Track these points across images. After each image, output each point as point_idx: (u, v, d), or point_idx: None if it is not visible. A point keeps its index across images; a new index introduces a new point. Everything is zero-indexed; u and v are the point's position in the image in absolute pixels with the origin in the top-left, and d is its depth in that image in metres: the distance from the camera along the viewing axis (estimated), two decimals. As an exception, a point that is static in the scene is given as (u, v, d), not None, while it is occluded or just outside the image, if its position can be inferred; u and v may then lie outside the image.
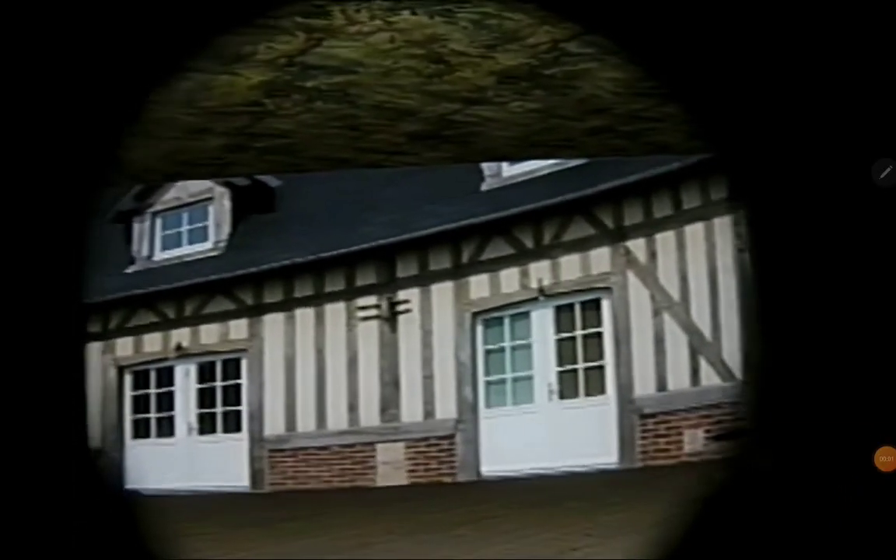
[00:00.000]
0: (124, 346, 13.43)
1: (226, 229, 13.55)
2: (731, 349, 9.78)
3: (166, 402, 13.28)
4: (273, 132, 5.63)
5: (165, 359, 13.20)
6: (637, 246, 10.48)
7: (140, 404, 13.46)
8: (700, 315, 10.00)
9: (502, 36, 4.35)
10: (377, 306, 11.68)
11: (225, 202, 13.57)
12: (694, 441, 9.97)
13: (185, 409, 13.11)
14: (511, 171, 11.40)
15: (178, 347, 13.00)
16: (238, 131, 5.60)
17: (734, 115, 1.89)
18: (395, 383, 11.53)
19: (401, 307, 11.59)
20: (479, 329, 11.30)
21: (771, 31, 1.81)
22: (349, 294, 11.95)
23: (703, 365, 10.00)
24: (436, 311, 11.40)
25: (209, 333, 12.87)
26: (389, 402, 11.54)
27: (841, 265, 1.77)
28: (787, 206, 1.83)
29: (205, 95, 4.92)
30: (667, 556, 1.97)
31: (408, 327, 11.52)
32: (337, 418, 11.79)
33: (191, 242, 13.86)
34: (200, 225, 13.82)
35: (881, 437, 1.70)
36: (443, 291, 11.40)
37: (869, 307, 1.74)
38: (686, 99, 2.06)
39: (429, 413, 11.30)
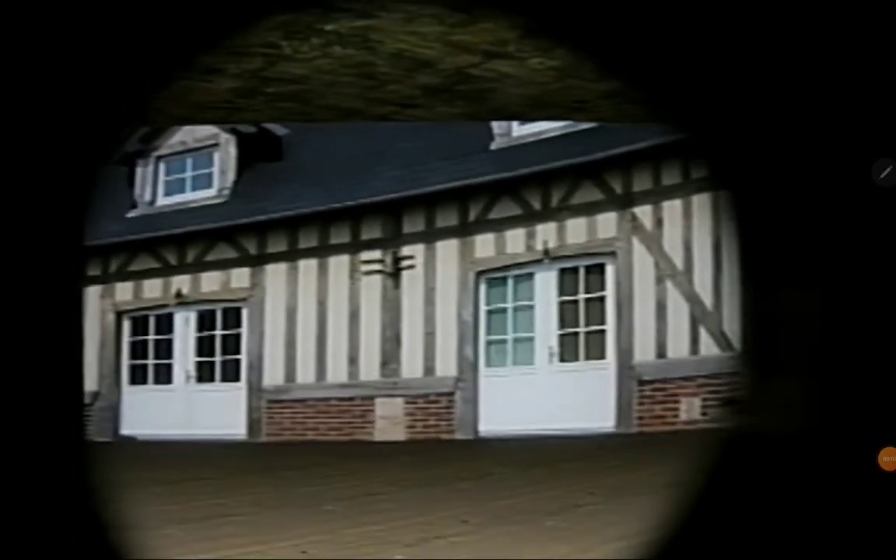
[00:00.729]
0: (123, 291, 13.37)
1: (231, 177, 13.40)
2: (732, 320, 9.79)
3: (165, 348, 13.24)
4: (286, 77, 5.53)
5: (165, 305, 13.15)
6: (644, 213, 10.45)
7: (138, 350, 13.41)
8: (702, 285, 9.99)
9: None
10: (381, 260, 11.62)
11: (230, 149, 13.41)
12: (690, 409, 10.04)
13: (184, 356, 13.08)
14: (521, 131, 11.29)
15: (178, 294, 12.95)
16: (251, 74, 5.50)
17: (735, 115, 1.88)
18: (397, 338, 11.51)
19: (405, 263, 11.53)
20: (483, 288, 11.26)
21: (772, 32, 1.80)
22: (353, 247, 11.88)
23: (703, 335, 10.01)
24: (440, 269, 11.35)
25: (210, 281, 12.80)
26: (390, 357, 11.52)
27: (841, 265, 1.76)
28: (787, 206, 1.83)
29: (221, 32, 4.82)
30: (670, 535, 1.99)
31: (411, 283, 11.47)
32: (337, 371, 11.78)
33: (194, 189, 13.72)
34: (205, 171, 13.67)
35: (885, 438, 1.70)
36: (448, 249, 11.34)
37: (870, 307, 1.74)
38: (685, 101, 2.05)
39: (429, 370, 11.28)
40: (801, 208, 1.79)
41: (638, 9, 1.87)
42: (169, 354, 13.20)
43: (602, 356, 10.62)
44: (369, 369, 11.60)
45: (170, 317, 13.21)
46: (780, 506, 1.76)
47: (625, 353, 10.36)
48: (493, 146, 11.49)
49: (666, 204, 10.35)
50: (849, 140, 1.75)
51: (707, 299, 9.97)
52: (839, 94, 1.75)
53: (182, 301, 12.94)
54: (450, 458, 8.62)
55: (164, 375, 13.22)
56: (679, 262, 10.21)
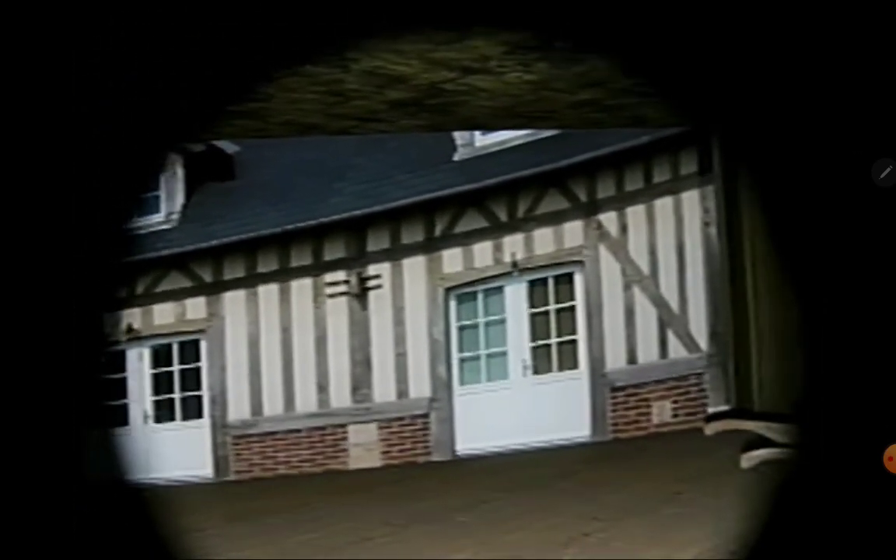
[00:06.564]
0: (68, 329, 12.74)
1: (179, 199, 12.82)
2: (698, 321, 9.93)
3: (118, 388, 12.63)
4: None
5: (115, 342, 12.57)
6: (609, 219, 10.59)
7: (87, 390, 12.81)
8: (668, 289, 10.20)
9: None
10: (346, 282, 11.31)
11: (177, 170, 12.85)
12: (662, 412, 10.32)
13: (140, 395, 12.52)
14: (484, 140, 11.15)
15: (129, 329, 12.36)
16: (207, 93, 5.19)
17: (736, 113, 1.93)
18: (367, 362, 11.23)
19: (371, 283, 11.26)
20: (453, 304, 11.11)
21: (773, 32, 1.84)
22: (316, 269, 11.52)
23: (671, 338, 10.19)
24: (408, 287, 11.14)
25: (163, 313, 12.27)
26: (361, 381, 11.24)
27: (842, 265, 1.81)
28: (788, 206, 1.88)
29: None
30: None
31: (379, 303, 11.21)
32: (306, 400, 11.42)
33: (140, 214, 13.15)
34: (151, 194, 13.11)
35: (890, 437, 1.74)
36: (415, 266, 11.13)
37: (871, 306, 1.77)
38: (685, 100, 2.12)
39: (402, 392, 11.06)
40: (802, 207, 1.82)
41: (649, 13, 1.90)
42: (123, 394, 12.59)
43: (575, 366, 10.67)
44: (340, 396, 11.29)
45: (121, 354, 12.62)
46: (789, 502, 1.78)
47: (597, 361, 10.46)
48: (456, 157, 11.31)
49: (630, 210, 10.48)
50: (849, 140, 1.79)
51: (673, 303, 10.17)
52: (839, 95, 1.79)
53: (134, 336, 12.35)
54: (435, 486, 8.39)
55: (118, 417, 12.60)
56: (645, 267, 10.40)
